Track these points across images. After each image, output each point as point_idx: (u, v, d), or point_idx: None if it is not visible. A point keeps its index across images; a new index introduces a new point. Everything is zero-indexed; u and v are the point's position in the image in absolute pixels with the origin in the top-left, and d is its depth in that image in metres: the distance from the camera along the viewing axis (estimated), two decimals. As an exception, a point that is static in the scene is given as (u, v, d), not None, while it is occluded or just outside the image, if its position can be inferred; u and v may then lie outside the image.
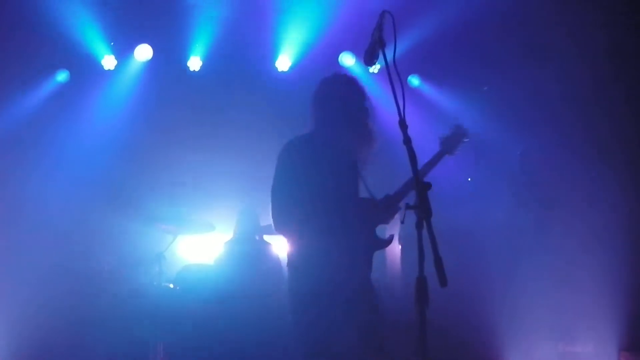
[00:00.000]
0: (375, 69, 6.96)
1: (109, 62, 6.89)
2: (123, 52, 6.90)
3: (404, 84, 2.77)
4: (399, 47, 2.76)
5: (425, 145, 3.49)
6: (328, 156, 3.34)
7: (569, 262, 6.05)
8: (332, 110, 3.43)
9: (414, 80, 7.31)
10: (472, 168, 6.94)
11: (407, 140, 2.64)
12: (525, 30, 6.51)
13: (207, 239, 6.54)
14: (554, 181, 6.49)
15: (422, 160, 2.66)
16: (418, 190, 2.50)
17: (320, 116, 3.46)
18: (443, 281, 2.34)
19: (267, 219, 3.62)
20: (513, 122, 6.71)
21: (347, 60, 7.12)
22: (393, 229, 3.54)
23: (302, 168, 3.31)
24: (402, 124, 2.69)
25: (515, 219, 6.43)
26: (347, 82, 3.52)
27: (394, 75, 2.72)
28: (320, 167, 3.31)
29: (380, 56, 2.93)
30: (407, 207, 2.52)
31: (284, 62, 7.09)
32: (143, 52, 6.88)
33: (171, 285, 5.46)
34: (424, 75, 7.29)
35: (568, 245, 6.12)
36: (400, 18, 2.88)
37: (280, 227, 3.29)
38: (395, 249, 6.87)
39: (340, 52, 7.12)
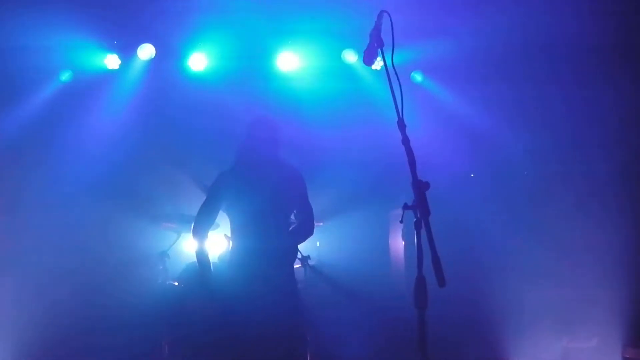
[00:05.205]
0: (377, 65, 6.91)
1: (112, 61, 6.89)
2: (126, 51, 6.90)
3: (404, 81, 2.79)
4: (397, 45, 2.77)
5: (426, 144, 3.49)
6: (248, 184, 4.30)
7: (572, 257, 6.05)
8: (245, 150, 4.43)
9: (417, 77, 7.24)
10: (474, 164, 6.93)
11: (406, 140, 2.65)
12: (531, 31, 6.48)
13: (211, 237, 6.54)
14: (555, 177, 6.49)
15: (420, 159, 2.65)
16: (416, 189, 2.50)
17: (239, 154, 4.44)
18: (441, 281, 2.34)
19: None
20: (516, 120, 6.69)
21: (350, 57, 7.08)
22: (396, 224, 3.54)
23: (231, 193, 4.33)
24: (401, 124, 2.71)
25: (517, 216, 6.43)
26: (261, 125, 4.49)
27: (393, 75, 2.74)
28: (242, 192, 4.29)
29: (380, 55, 2.94)
30: (406, 207, 2.52)
31: (287, 61, 7.07)
32: (146, 51, 6.87)
33: (175, 283, 5.48)
34: (428, 72, 7.24)
35: (571, 241, 6.13)
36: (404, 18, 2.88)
37: None
38: (399, 245, 6.87)
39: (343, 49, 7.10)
